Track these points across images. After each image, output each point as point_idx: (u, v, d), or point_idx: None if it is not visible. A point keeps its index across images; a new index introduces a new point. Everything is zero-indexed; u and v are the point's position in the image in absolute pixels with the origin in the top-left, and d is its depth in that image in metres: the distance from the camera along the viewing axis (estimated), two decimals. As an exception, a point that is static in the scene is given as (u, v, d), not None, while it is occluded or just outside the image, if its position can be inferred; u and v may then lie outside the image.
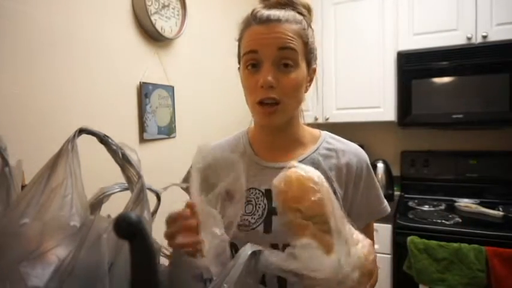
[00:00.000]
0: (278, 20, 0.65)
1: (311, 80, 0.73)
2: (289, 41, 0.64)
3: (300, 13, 0.69)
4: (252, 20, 0.67)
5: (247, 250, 0.44)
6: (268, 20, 0.65)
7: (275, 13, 0.65)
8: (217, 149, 0.79)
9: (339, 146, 0.75)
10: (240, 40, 0.71)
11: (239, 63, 0.74)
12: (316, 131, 0.79)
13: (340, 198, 0.70)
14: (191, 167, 0.82)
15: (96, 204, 0.46)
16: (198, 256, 0.51)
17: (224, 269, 0.44)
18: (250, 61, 0.66)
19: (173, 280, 0.54)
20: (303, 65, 0.68)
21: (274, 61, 0.65)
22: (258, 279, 0.46)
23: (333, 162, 0.73)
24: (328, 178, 0.71)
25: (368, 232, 0.75)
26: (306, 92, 0.72)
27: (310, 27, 0.71)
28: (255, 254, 0.45)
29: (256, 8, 0.68)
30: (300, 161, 0.72)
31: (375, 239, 0.78)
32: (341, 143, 0.77)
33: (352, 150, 0.75)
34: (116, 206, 0.46)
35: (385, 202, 0.76)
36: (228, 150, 0.78)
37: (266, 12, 0.66)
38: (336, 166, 0.73)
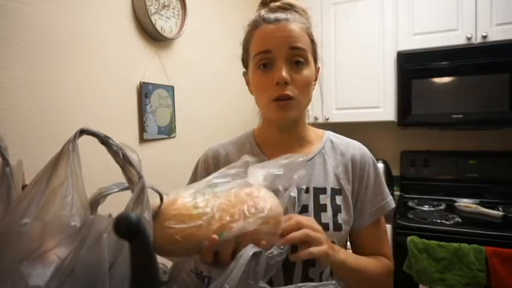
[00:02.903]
0: (287, 20, 0.67)
1: (316, 79, 0.75)
2: (299, 39, 0.67)
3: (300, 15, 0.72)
4: (262, 21, 0.69)
5: (248, 251, 0.44)
6: (277, 20, 0.67)
7: (281, 14, 0.68)
8: (226, 147, 0.81)
9: (343, 143, 0.79)
10: (247, 43, 0.73)
11: (244, 67, 0.75)
12: (319, 131, 0.82)
13: (349, 194, 0.73)
14: (195, 168, 0.83)
15: (93, 204, 0.46)
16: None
17: (226, 269, 0.44)
18: (263, 61, 0.68)
19: (174, 278, 0.55)
20: (312, 63, 0.70)
21: (287, 59, 0.67)
22: (259, 280, 0.46)
23: (338, 159, 0.76)
24: (336, 175, 0.73)
25: (378, 228, 0.77)
26: (312, 90, 0.74)
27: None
28: (256, 255, 0.45)
29: (261, 12, 0.71)
30: (308, 160, 0.74)
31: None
32: (344, 140, 0.80)
33: (355, 146, 0.78)
34: (117, 206, 0.46)
35: (390, 196, 0.77)
36: (234, 150, 0.80)
37: (274, 14, 0.69)
38: (341, 163, 0.75)
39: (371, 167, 0.76)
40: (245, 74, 0.78)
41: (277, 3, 0.71)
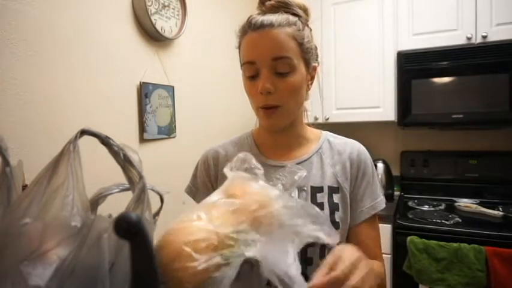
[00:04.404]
0: (271, 25, 0.66)
1: (312, 79, 0.75)
2: (282, 48, 0.66)
3: (296, 14, 0.71)
4: (248, 28, 0.69)
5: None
6: (261, 26, 0.67)
7: (268, 18, 0.67)
8: (226, 147, 0.82)
9: (340, 143, 0.79)
10: (239, 48, 0.73)
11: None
12: (317, 131, 0.83)
13: (347, 192, 0.74)
14: (196, 169, 0.83)
15: (93, 205, 0.46)
16: None
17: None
18: (249, 71, 0.69)
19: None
20: (300, 67, 0.69)
21: (271, 68, 0.67)
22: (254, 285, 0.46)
23: (335, 158, 0.76)
24: (333, 174, 0.74)
25: (372, 231, 0.76)
26: (308, 90, 0.75)
27: (307, 26, 0.73)
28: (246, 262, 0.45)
29: (251, 15, 0.70)
30: (305, 160, 0.75)
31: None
32: (342, 140, 0.81)
33: (353, 146, 0.79)
34: (118, 206, 0.46)
35: (382, 197, 0.77)
36: (234, 151, 0.80)
37: (260, 18, 0.68)
38: (339, 161, 0.76)
39: (367, 166, 0.77)
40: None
41: (272, 2, 0.70)
